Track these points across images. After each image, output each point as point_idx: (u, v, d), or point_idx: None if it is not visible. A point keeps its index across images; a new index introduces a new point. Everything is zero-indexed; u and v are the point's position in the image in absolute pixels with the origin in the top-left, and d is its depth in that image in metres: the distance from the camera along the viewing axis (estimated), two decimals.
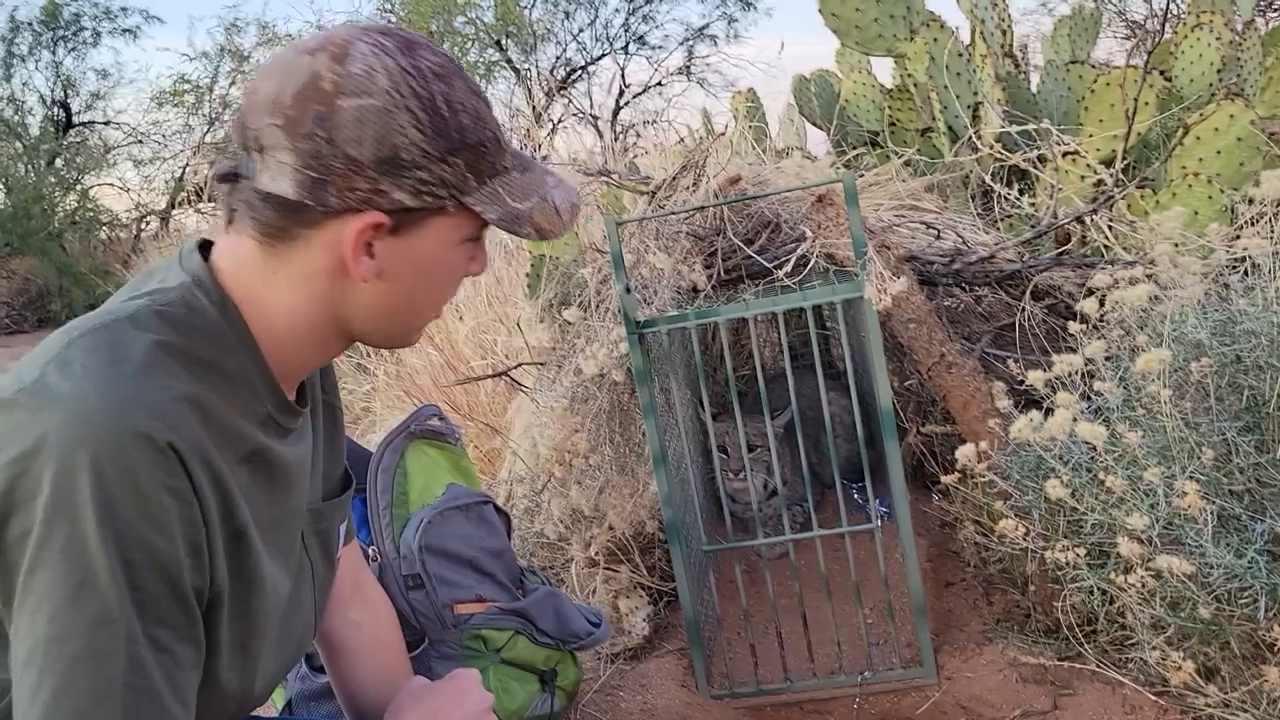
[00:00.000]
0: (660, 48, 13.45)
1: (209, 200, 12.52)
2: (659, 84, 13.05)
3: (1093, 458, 1.67)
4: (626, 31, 13.06)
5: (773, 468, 2.22)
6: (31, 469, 0.79)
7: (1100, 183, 2.73)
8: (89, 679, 0.78)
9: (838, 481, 2.05)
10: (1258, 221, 1.92)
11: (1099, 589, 1.69)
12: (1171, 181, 2.57)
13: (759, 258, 2.26)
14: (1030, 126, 2.78)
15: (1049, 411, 1.64)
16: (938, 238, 2.54)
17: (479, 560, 1.76)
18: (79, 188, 11.68)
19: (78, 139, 12.65)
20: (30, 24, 12.06)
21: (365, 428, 3.58)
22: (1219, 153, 2.61)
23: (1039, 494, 1.75)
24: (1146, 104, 2.91)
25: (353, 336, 1.01)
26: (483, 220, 0.96)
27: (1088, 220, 2.48)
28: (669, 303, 2.21)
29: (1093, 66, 3.44)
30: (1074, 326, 1.82)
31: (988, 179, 2.89)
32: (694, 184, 2.47)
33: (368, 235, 0.91)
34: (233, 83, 12.61)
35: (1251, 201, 1.96)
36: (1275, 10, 6.76)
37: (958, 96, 3.21)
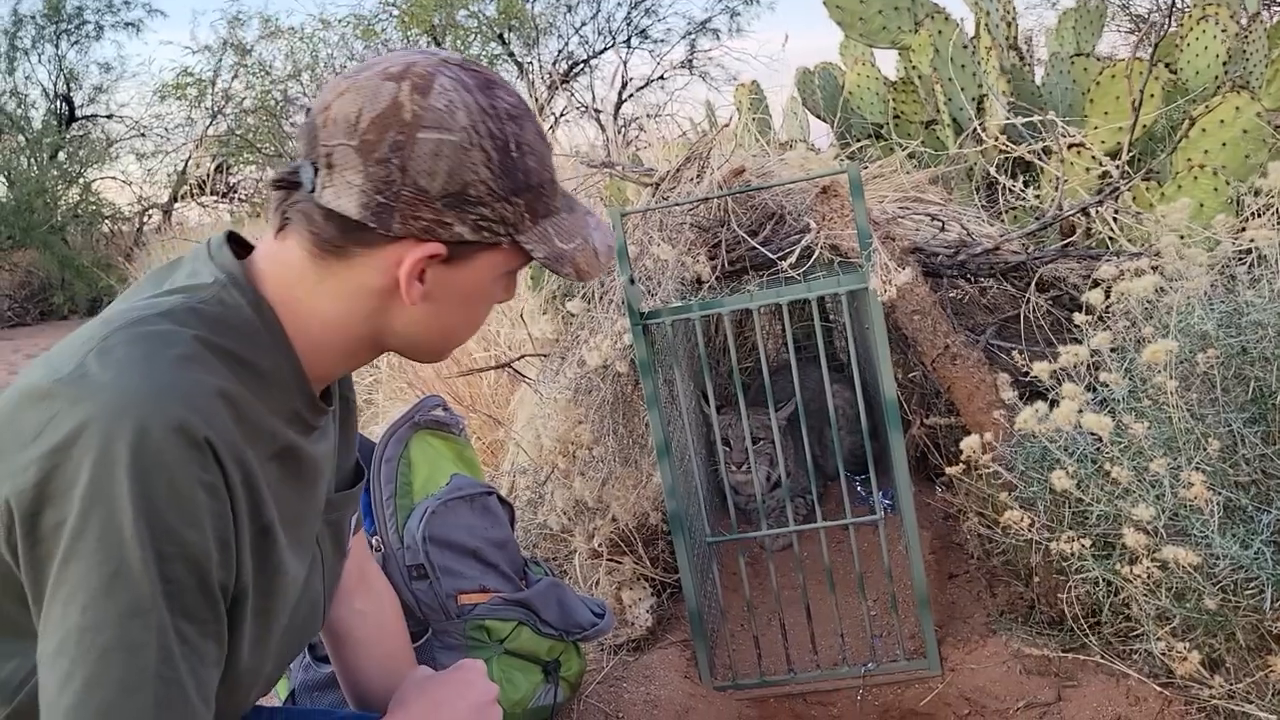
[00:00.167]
0: (662, 41, 13.45)
1: (211, 194, 12.54)
2: (661, 78, 13.05)
3: (1098, 449, 1.66)
4: (629, 25, 13.05)
5: (776, 459, 2.22)
6: (70, 460, 0.79)
7: (1105, 175, 2.72)
8: (120, 669, 0.78)
9: (841, 473, 2.05)
10: (1264, 213, 1.91)
11: (1104, 580, 1.69)
12: (1177, 174, 2.56)
13: (763, 249, 2.26)
14: (1035, 119, 2.77)
15: (1054, 403, 1.63)
16: (942, 229, 2.54)
17: (483, 551, 1.76)
18: (81, 181, 11.70)
19: (80, 132, 12.66)
20: (33, 17, 12.07)
21: (368, 419, 3.58)
22: (1225, 145, 2.61)
23: (1044, 485, 1.75)
24: (1152, 96, 2.90)
25: (384, 349, 1.02)
26: (529, 257, 0.98)
27: (1093, 212, 2.47)
28: (673, 294, 2.20)
29: (1097, 59, 3.42)
30: (1079, 318, 1.81)
31: (992, 171, 2.88)
32: (698, 176, 2.47)
33: (424, 264, 0.93)
34: (235, 76, 12.61)
35: (1258, 193, 1.96)
36: None
37: (962, 89, 3.20)
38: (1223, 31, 3.11)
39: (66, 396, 0.81)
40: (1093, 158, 2.78)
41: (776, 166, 2.68)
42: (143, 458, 0.79)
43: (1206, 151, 2.61)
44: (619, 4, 13.69)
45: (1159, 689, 1.70)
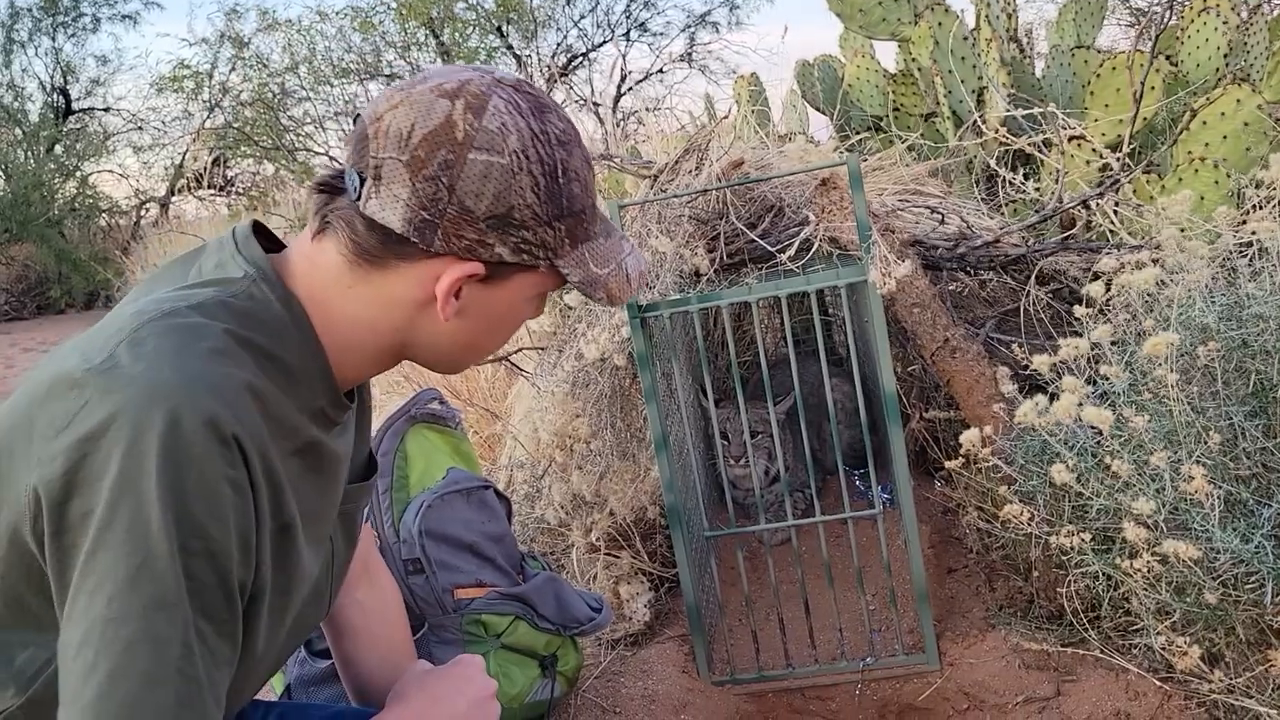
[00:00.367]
0: (662, 34, 13.41)
1: (209, 187, 12.50)
2: (660, 71, 13.01)
3: (1098, 442, 1.65)
4: (628, 18, 13.01)
5: (774, 453, 2.21)
6: (99, 450, 0.79)
7: (1106, 167, 2.71)
8: (144, 662, 0.78)
9: (840, 467, 2.04)
10: (1265, 205, 1.90)
11: (1104, 574, 1.68)
12: (1178, 166, 2.55)
13: (762, 242, 2.24)
14: (1036, 111, 2.76)
15: (1054, 396, 1.62)
16: (942, 222, 2.52)
17: (479, 545, 1.75)
18: (78, 174, 11.65)
19: (77, 125, 12.62)
20: (30, 10, 12.02)
21: None
22: (1225, 137, 2.60)
23: (1044, 479, 1.74)
24: (1153, 89, 2.89)
25: (406, 358, 1.03)
26: (564, 280, 0.99)
27: (1093, 205, 2.46)
28: (671, 287, 2.19)
29: (1098, 52, 3.41)
30: (1079, 311, 1.80)
31: (992, 163, 2.87)
32: (696, 168, 2.45)
33: (462, 282, 0.94)
34: (232, 69, 12.57)
35: (1259, 185, 1.95)
36: None
37: (962, 81, 3.19)
38: (1224, 24, 3.09)
39: (97, 386, 0.81)
40: (1093, 150, 2.77)
41: (775, 159, 2.67)
42: (173, 451, 0.79)
43: (1207, 144, 2.60)
44: None
45: (1159, 683, 1.69)
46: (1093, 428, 1.61)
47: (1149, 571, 1.48)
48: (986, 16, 3.42)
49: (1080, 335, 1.69)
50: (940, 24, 3.27)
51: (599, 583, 2.21)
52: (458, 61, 12.09)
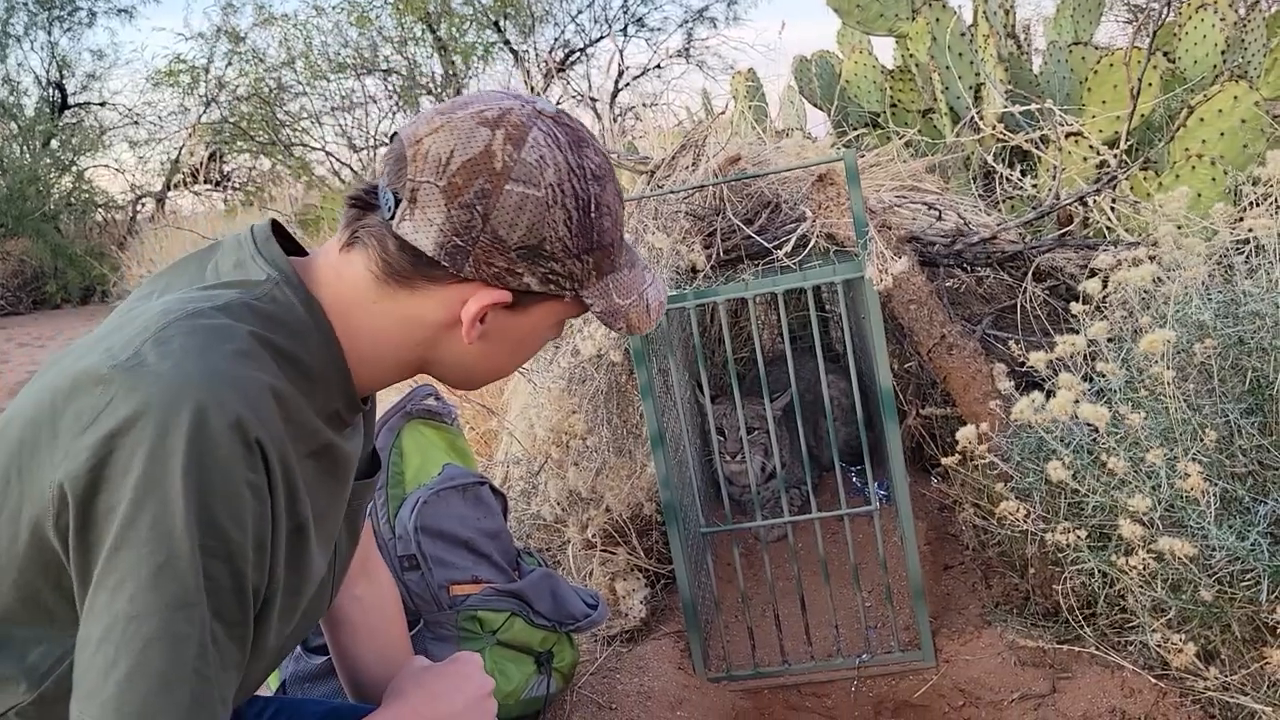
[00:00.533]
0: (659, 30, 13.39)
1: (205, 182, 12.47)
2: (658, 66, 12.98)
3: (1095, 439, 1.65)
4: (625, 13, 12.98)
5: (771, 450, 2.21)
6: (123, 447, 0.79)
7: (1103, 164, 2.71)
8: (162, 661, 0.78)
9: (836, 464, 2.04)
10: (1262, 202, 1.90)
11: (1099, 571, 1.68)
12: (1175, 163, 2.55)
13: (758, 238, 2.24)
14: (1033, 107, 2.75)
15: (1050, 393, 1.62)
16: (939, 219, 2.52)
17: (475, 541, 1.75)
18: (74, 169, 11.61)
19: (73, 120, 12.57)
20: (25, 4, 11.96)
21: None
22: (1222, 134, 2.59)
23: (1040, 476, 1.74)
24: (1150, 85, 2.89)
25: (425, 372, 1.04)
26: (586, 309, 1.01)
27: (1090, 201, 2.46)
28: (668, 283, 2.19)
29: (1095, 48, 3.41)
30: (1076, 307, 1.80)
31: (989, 160, 2.86)
32: (693, 164, 2.45)
33: (488, 309, 0.95)
34: (228, 63, 12.53)
35: (1256, 182, 1.94)
36: None
37: (960, 77, 3.19)
38: (1221, 20, 3.09)
39: (123, 383, 0.81)
40: (1090, 147, 2.77)
41: (772, 154, 2.66)
42: (198, 451, 0.80)
43: (1204, 141, 2.60)
44: None
45: (1154, 680, 1.69)
46: (1089, 425, 1.61)
47: (1145, 568, 1.48)
48: (984, 12, 3.42)
49: (1077, 332, 1.69)
50: (938, 20, 3.26)
51: (595, 579, 2.21)
52: (454, 58, 12.07)
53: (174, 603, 0.79)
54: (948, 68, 3.20)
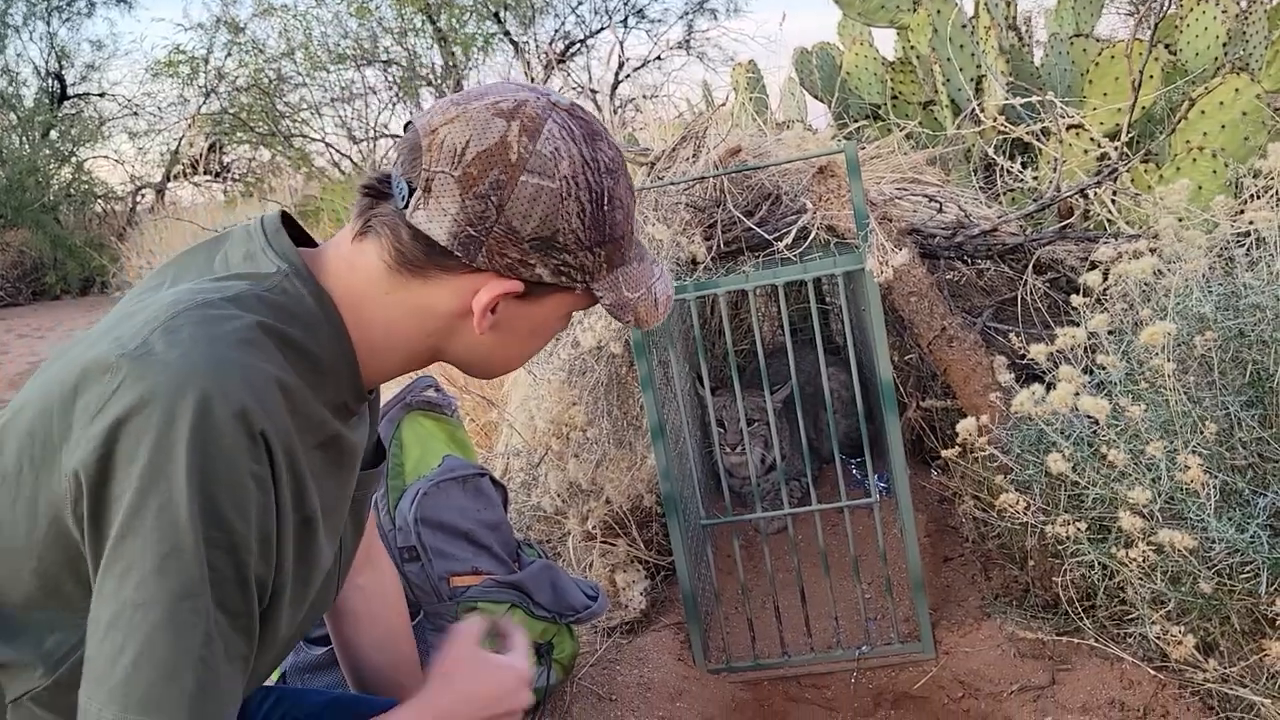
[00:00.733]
0: (660, 21, 13.38)
1: (205, 173, 12.45)
2: (658, 58, 12.96)
3: (1095, 432, 1.65)
4: (625, 5, 12.95)
5: (771, 442, 2.21)
6: (129, 433, 0.80)
7: (1104, 156, 2.70)
8: (167, 649, 0.79)
9: (836, 456, 2.04)
10: (1263, 195, 1.90)
11: (1099, 564, 1.68)
12: (1176, 155, 2.55)
13: (759, 229, 2.24)
14: (1034, 99, 2.75)
15: (1051, 385, 1.62)
16: (940, 211, 2.52)
17: (475, 533, 1.75)
18: (73, 160, 11.60)
19: (72, 111, 12.55)
20: None
21: None
22: (1224, 127, 2.59)
23: (1040, 468, 1.74)
24: (1151, 77, 2.88)
25: (438, 361, 1.05)
26: (596, 301, 1.01)
27: (1091, 194, 2.46)
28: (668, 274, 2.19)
29: (1097, 40, 3.40)
30: (1077, 300, 1.80)
31: (990, 152, 2.86)
32: (694, 155, 2.44)
33: (500, 299, 0.96)
34: (228, 54, 12.51)
35: (1257, 175, 1.94)
36: None
37: (961, 69, 3.18)
38: (1223, 13, 3.08)
39: (130, 371, 0.82)
40: (1091, 139, 2.76)
41: (773, 146, 2.66)
42: (203, 441, 0.80)
43: (1205, 133, 2.60)
44: None
45: (1153, 672, 1.70)
46: (1089, 417, 1.61)
47: (1144, 561, 1.49)
48: (985, 4, 3.41)
49: (1077, 324, 1.69)
50: (939, 12, 3.26)
51: (595, 571, 2.21)
52: (454, 49, 12.05)
53: (179, 592, 0.79)
54: (949, 59, 3.19)
